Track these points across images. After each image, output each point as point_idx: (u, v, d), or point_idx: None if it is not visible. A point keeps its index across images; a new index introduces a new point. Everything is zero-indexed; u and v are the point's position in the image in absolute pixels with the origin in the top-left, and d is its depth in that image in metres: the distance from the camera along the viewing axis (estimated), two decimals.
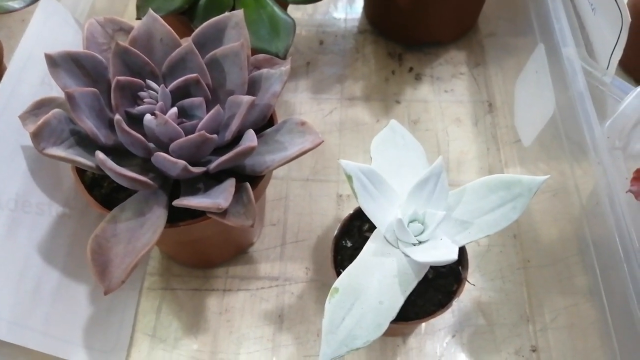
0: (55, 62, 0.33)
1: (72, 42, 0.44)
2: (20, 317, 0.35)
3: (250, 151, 0.33)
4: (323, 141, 0.35)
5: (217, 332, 0.44)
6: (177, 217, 0.35)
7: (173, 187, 0.36)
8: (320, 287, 0.46)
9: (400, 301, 0.32)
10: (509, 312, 0.45)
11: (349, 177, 0.32)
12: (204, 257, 0.46)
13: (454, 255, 0.30)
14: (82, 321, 0.40)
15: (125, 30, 0.38)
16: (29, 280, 0.37)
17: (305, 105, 0.58)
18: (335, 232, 0.39)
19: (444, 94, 0.59)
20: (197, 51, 0.35)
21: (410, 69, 0.61)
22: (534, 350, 0.43)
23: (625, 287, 0.34)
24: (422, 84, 0.60)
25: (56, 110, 0.32)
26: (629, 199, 0.36)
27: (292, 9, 0.56)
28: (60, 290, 0.39)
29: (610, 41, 0.42)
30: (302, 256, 0.48)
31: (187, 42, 0.36)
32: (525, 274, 0.47)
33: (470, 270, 0.37)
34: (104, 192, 0.37)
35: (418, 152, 0.38)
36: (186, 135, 0.33)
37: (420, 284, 0.34)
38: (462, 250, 0.37)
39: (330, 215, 0.50)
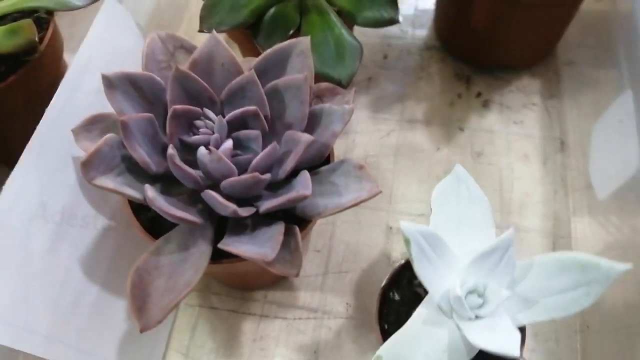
0: (111, 84, 0.32)
1: (132, 48, 0.43)
2: (56, 332, 0.35)
3: (302, 199, 0.31)
4: (381, 192, 0.33)
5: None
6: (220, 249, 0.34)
7: (220, 219, 0.34)
8: (360, 326, 0.44)
9: None
10: None
11: (407, 241, 0.29)
12: (244, 282, 0.45)
13: (514, 350, 0.27)
14: (117, 337, 0.40)
15: (187, 48, 0.36)
16: (68, 294, 0.36)
17: (362, 124, 0.55)
18: (384, 282, 0.36)
19: (513, 126, 0.55)
20: (258, 81, 0.33)
21: (479, 94, 0.57)
22: None
23: None
24: (490, 112, 0.56)
25: (109, 136, 0.31)
26: None
27: None
28: (98, 305, 0.39)
29: None
30: (343, 289, 0.46)
31: (249, 66, 0.35)
32: (581, 339, 0.43)
33: None
34: (151, 216, 0.36)
35: (483, 206, 0.35)
36: (239, 171, 0.32)
37: None
38: (521, 329, 0.34)
39: (377, 247, 0.48)
